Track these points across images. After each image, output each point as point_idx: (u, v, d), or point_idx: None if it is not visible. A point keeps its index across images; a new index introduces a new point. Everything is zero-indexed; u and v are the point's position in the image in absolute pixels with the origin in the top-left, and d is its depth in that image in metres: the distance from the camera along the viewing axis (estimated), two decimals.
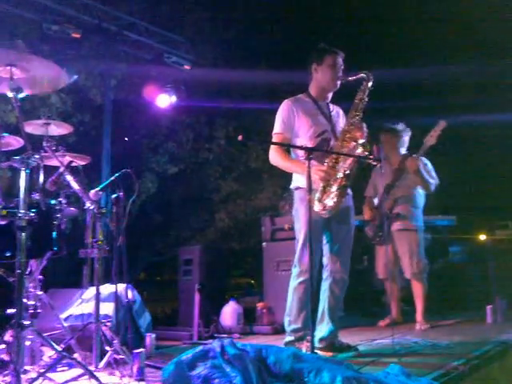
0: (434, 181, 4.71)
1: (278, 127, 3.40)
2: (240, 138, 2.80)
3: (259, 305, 4.96)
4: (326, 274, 3.40)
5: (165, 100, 5.66)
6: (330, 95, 3.50)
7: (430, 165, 4.77)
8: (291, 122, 3.37)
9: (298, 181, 3.37)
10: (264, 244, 5.29)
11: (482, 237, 6.30)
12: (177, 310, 5.48)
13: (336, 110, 3.54)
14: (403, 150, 4.85)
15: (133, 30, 5.16)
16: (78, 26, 4.53)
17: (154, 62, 5.48)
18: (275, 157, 3.36)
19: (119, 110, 5.60)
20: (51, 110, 4.89)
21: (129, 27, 5.14)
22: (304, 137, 3.34)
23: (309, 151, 2.86)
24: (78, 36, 4.51)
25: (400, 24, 6.93)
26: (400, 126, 4.87)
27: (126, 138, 6.13)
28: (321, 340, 3.34)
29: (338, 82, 3.40)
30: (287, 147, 3.39)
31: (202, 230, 8.28)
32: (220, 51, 6.13)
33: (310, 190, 2.83)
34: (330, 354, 3.26)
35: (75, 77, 4.63)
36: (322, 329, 3.36)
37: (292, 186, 3.46)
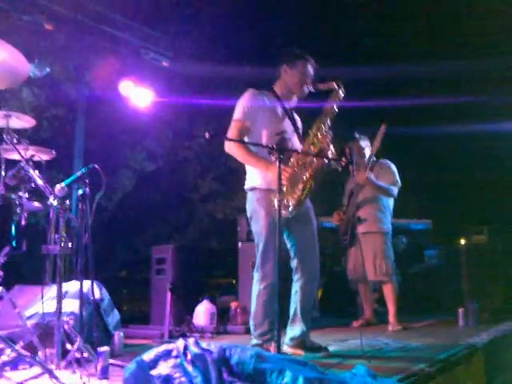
0: (395, 186, 4.76)
1: (238, 113, 3.28)
2: (207, 135, 2.75)
3: (233, 304, 4.94)
4: (296, 276, 3.35)
5: (142, 97, 5.57)
6: (295, 99, 3.45)
7: (393, 167, 4.82)
8: (253, 111, 3.26)
9: (254, 181, 3.28)
10: (240, 244, 5.27)
11: (460, 241, 6.35)
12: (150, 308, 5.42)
13: (298, 118, 3.50)
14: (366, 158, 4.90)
15: (109, 23, 5.06)
16: (51, 17, 4.42)
17: (130, 57, 5.38)
18: (235, 148, 3.22)
19: (94, 105, 5.51)
20: (23, 104, 4.79)
21: (105, 20, 5.04)
22: (263, 132, 3.24)
23: (279, 152, 2.80)
24: (50, 28, 4.41)
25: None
26: (357, 135, 4.95)
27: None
28: (292, 339, 3.32)
29: (305, 90, 3.35)
30: (251, 143, 3.25)
31: (181, 229, 8.21)
32: (201, 47, 6.06)
33: (279, 190, 2.78)
34: (302, 352, 3.25)
35: (47, 70, 4.54)
36: (295, 328, 3.33)
37: (246, 187, 3.35)
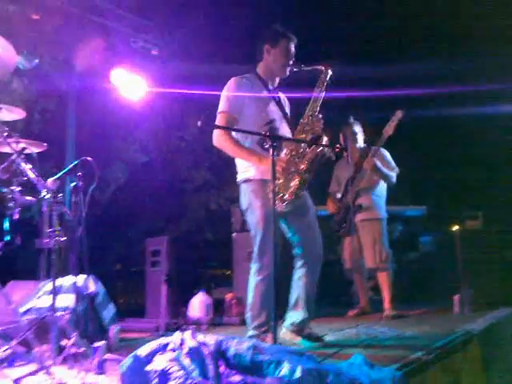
0: (394, 172, 4.76)
1: (223, 105, 3.18)
2: (199, 123, 2.69)
3: (228, 296, 4.93)
4: (299, 263, 3.31)
5: (135, 86, 5.48)
6: (278, 80, 3.37)
7: (388, 155, 4.81)
8: (239, 102, 3.17)
9: (248, 172, 3.21)
10: (234, 235, 5.25)
11: (453, 227, 6.36)
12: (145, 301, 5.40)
13: (282, 97, 3.42)
14: (360, 143, 4.89)
15: (96, 11, 4.95)
16: (38, 6, 4.32)
17: (121, 46, 5.29)
18: (224, 140, 3.12)
19: (85, 96, 5.43)
20: (13, 97, 4.72)
21: (93, 9, 4.95)
22: (252, 123, 3.15)
23: (273, 139, 2.74)
24: (37, 17, 4.31)
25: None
26: (351, 119, 4.91)
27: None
28: (292, 324, 3.29)
29: (288, 69, 3.27)
30: (243, 132, 3.15)
31: (174, 221, 8.17)
32: (192, 36, 5.98)
33: (274, 179, 2.71)
34: (298, 338, 3.23)
35: (36, 61, 4.46)
36: (296, 314, 3.30)
37: (239, 179, 3.28)
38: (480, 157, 7.13)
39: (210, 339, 2.35)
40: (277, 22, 3.38)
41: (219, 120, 3.18)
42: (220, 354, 2.26)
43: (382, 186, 4.84)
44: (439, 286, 5.56)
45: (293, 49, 3.30)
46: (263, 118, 3.19)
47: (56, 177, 2.85)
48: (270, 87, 3.34)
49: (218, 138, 3.16)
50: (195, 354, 2.25)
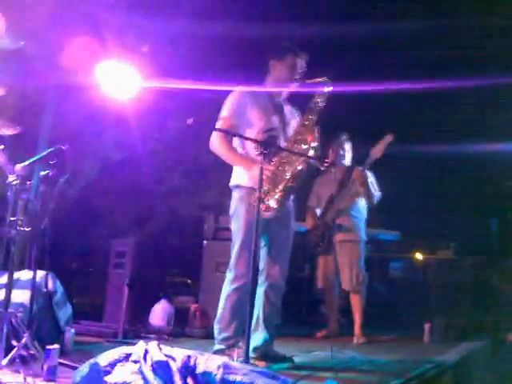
0: (377, 193, 4.70)
1: (226, 111, 3.19)
2: (189, 121, 2.55)
3: (193, 306, 4.71)
4: (261, 279, 3.21)
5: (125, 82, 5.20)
6: (285, 94, 3.35)
7: (371, 177, 4.74)
8: (241, 110, 3.17)
9: (239, 178, 3.18)
10: (205, 242, 5.07)
11: (420, 256, 6.36)
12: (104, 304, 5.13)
13: (290, 109, 3.39)
14: (347, 161, 4.81)
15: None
16: None
17: (109, 39, 5.08)
18: (219, 145, 3.14)
19: (66, 87, 5.20)
20: None
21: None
22: (252, 130, 3.14)
23: (262, 145, 2.64)
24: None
25: None
26: (343, 136, 4.83)
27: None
28: (254, 349, 3.13)
29: (295, 85, 3.25)
30: (235, 136, 3.11)
31: (141, 223, 7.92)
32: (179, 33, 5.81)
33: (260, 187, 2.62)
34: (264, 364, 3.07)
35: (21, 43, 4.25)
36: (257, 337, 3.16)
37: (231, 184, 3.25)
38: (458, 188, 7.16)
39: (178, 353, 2.16)
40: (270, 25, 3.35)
41: (220, 125, 3.18)
42: (188, 370, 2.07)
43: (363, 208, 4.75)
44: (409, 313, 5.49)
45: (299, 64, 3.27)
46: (264, 126, 3.17)
47: (26, 163, 2.63)
48: (276, 99, 3.32)
49: (215, 143, 3.16)
50: (161, 368, 2.06)
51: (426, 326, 4.60)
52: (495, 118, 6.77)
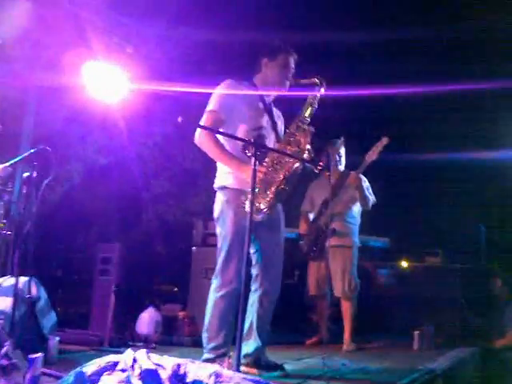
0: (372, 197, 4.65)
1: (213, 104, 3.03)
2: (180, 119, 2.46)
3: (181, 314, 4.63)
4: (255, 285, 3.11)
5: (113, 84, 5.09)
6: (274, 95, 3.26)
7: (367, 182, 4.71)
8: (229, 103, 3.03)
9: (225, 179, 3.04)
10: (194, 249, 4.99)
11: (413, 262, 6.35)
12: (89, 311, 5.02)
13: (277, 113, 3.31)
14: (341, 166, 4.77)
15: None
16: None
17: (95, 40, 4.99)
18: (206, 141, 2.97)
19: (48, 88, 5.09)
20: None
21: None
22: (239, 127, 3.01)
23: (252, 145, 2.55)
24: None
25: None
26: (339, 141, 4.78)
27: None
28: (245, 356, 3.04)
29: (287, 84, 3.18)
30: (223, 135, 2.97)
31: (127, 229, 7.81)
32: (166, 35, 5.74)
33: (253, 190, 2.52)
34: (255, 371, 2.99)
35: (7, 36, 4.15)
36: (248, 344, 3.07)
37: (216, 186, 3.10)
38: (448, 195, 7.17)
39: (167, 361, 2.08)
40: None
41: (206, 118, 3.03)
42: (178, 379, 2.00)
43: (357, 213, 4.71)
44: (398, 320, 5.47)
45: (292, 63, 3.21)
46: (253, 124, 3.05)
47: (8, 163, 2.54)
48: (265, 99, 3.22)
49: (201, 137, 3.00)
50: (150, 377, 1.98)
51: (416, 334, 4.57)
52: (484, 126, 6.80)
